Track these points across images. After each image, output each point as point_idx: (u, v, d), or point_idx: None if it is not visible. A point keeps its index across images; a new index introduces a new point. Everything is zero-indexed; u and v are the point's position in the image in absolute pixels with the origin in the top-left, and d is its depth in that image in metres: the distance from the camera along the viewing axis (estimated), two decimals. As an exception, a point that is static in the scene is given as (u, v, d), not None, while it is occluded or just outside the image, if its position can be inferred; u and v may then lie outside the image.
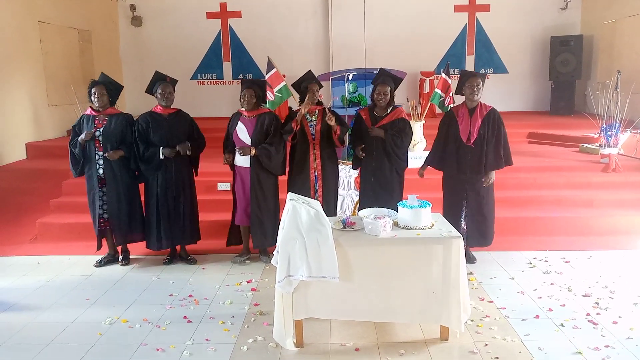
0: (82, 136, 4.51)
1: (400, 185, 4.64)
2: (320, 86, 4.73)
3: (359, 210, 4.72)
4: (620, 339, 3.29)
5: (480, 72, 10.45)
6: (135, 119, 4.72)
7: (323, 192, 4.68)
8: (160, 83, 4.62)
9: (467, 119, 4.50)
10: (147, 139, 4.60)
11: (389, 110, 4.52)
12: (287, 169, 4.80)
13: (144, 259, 4.96)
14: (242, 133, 4.59)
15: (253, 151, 4.52)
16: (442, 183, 4.76)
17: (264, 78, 5.71)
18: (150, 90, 4.68)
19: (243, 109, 4.65)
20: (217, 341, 3.39)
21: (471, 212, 4.59)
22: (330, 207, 4.67)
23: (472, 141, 4.47)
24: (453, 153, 4.55)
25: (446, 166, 4.65)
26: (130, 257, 4.94)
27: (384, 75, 4.52)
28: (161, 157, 4.55)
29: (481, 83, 4.45)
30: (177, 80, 4.83)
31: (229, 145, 4.70)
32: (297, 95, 4.81)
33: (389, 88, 4.45)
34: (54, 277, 4.58)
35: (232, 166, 4.76)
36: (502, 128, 4.51)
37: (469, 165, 4.51)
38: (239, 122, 4.62)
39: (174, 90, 4.70)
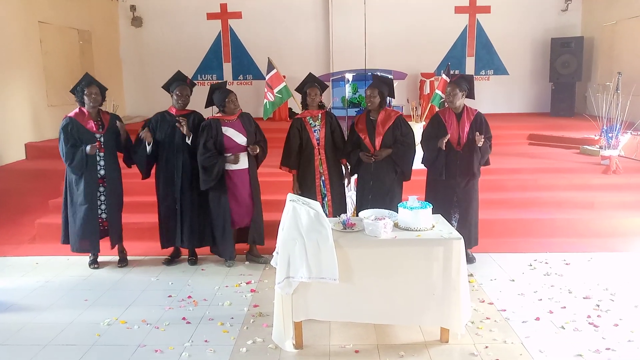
0: (88, 150, 4.45)
1: (401, 189, 4.60)
2: (324, 88, 4.73)
3: (357, 210, 4.70)
4: (622, 341, 3.27)
5: (480, 73, 10.55)
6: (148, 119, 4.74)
7: (332, 194, 4.68)
8: (179, 84, 4.64)
9: (455, 123, 4.47)
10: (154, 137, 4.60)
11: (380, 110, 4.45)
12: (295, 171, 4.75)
13: (142, 260, 4.95)
14: (238, 137, 4.56)
15: (257, 149, 4.56)
16: (427, 186, 4.68)
17: (265, 79, 5.72)
18: (167, 87, 4.71)
19: (221, 114, 4.60)
20: (216, 342, 3.37)
21: (461, 215, 4.57)
22: (338, 209, 4.66)
23: (461, 146, 4.45)
24: (442, 158, 4.48)
25: (435, 170, 4.56)
26: (131, 258, 4.90)
27: (374, 79, 4.59)
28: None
29: (457, 89, 4.41)
30: (195, 84, 4.87)
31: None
32: (297, 96, 4.80)
33: (377, 90, 4.40)
34: (53, 278, 4.56)
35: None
36: (489, 131, 4.51)
37: (459, 169, 4.48)
38: (225, 127, 4.54)
39: (191, 93, 4.71)
